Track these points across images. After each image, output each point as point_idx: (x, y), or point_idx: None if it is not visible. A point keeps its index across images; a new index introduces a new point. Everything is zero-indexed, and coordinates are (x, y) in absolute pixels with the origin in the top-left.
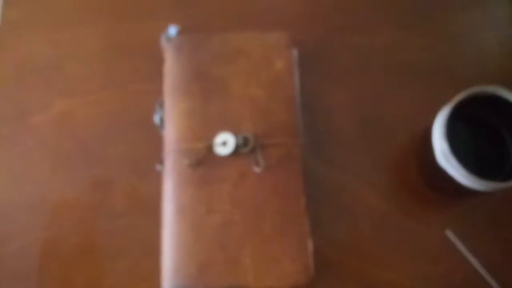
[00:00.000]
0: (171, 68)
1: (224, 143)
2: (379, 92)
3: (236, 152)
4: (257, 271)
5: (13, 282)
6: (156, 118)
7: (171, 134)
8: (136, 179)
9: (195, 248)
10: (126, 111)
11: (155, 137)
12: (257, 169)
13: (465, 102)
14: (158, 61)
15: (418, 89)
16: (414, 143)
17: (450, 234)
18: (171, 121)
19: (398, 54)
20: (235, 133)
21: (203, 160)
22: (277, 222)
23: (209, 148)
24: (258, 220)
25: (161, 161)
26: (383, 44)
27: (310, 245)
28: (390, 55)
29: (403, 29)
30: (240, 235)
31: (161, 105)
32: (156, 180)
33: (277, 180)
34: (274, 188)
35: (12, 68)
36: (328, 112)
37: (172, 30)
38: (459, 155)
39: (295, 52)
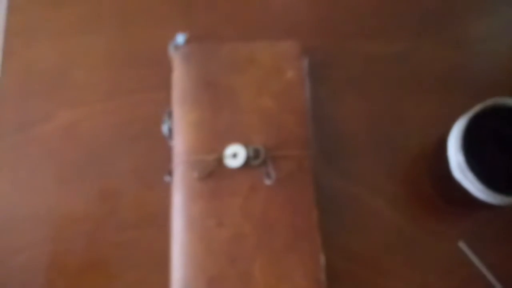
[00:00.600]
0: (180, 78)
1: (235, 155)
2: (392, 102)
3: (246, 164)
4: (268, 286)
5: None
6: (165, 129)
7: (180, 145)
8: (145, 190)
9: (205, 262)
10: (134, 121)
11: (163, 147)
12: (268, 182)
13: (482, 114)
14: (166, 70)
15: (431, 98)
16: (427, 154)
17: (463, 246)
18: (180, 132)
19: (411, 62)
20: (246, 144)
21: (213, 172)
22: (289, 236)
23: (219, 160)
24: (269, 234)
25: (170, 173)
26: (396, 52)
27: (322, 260)
28: (403, 63)
29: (416, 37)
30: (251, 249)
31: (170, 115)
32: (165, 192)
33: (288, 193)
34: (285, 202)
35: (17, 76)
36: (339, 122)
37: (180, 38)
38: (474, 168)
39: (305, 61)
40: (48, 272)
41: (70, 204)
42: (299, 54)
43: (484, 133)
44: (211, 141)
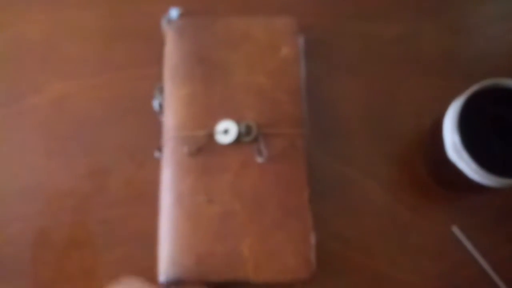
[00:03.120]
0: (172, 52)
1: (226, 131)
2: (388, 83)
3: (238, 141)
4: (257, 264)
5: (6, 270)
6: (155, 104)
7: (170, 121)
8: (134, 166)
9: (193, 239)
10: (124, 96)
11: (154, 123)
12: (259, 159)
13: (479, 95)
14: (158, 44)
15: (428, 81)
16: (422, 136)
17: (456, 231)
18: (171, 107)
19: (409, 45)
20: (238, 121)
21: (203, 148)
22: (279, 215)
23: (210, 136)
24: (259, 212)
25: (159, 149)
26: (394, 33)
27: (312, 239)
28: (400, 46)
29: (415, 19)
30: (240, 226)
31: (161, 91)
32: (155, 168)
33: (280, 171)
34: (277, 180)
35: (7, 48)
36: (334, 103)
37: (174, 12)
38: (470, 149)
39: (301, 39)
40: (35, 246)
41: (59, 179)
42: (295, 31)
43: (480, 114)
44: (202, 117)
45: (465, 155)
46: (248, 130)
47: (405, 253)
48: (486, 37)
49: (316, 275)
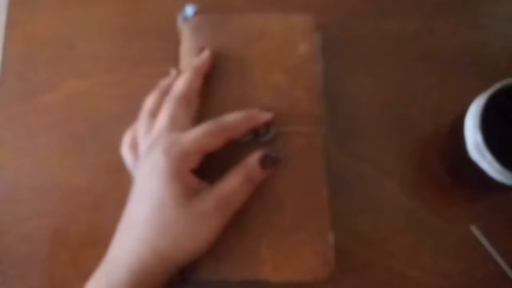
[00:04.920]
0: (188, 50)
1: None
2: (405, 81)
3: (255, 139)
4: (276, 263)
5: (21, 268)
6: None
7: None
8: None
9: None
10: (140, 94)
11: None
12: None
13: (501, 93)
14: (173, 41)
15: (446, 78)
16: (440, 135)
17: (475, 230)
18: None
19: (426, 41)
20: None
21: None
22: (297, 214)
23: None
24: (278, 211)
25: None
26: (411, 31)
27: (331, 238)
28: (417, 42)
29: (432, 16)
30: (259, 225)
31: None
32: None
33: (298, 170)
34: (295, 178)
35: (21, 45)
36: (351, 101)
37: (189, 10)
38: (492, 149)
39: (319, 36)
40: (51, 244)
41: (73, 177)
42: (312, 29)
43: (503, 113)
44: (220, 116)
45: (487, 155)
46: (266, 130)
47: (423, 252)
48: (503, 34)
49: (334, 275)
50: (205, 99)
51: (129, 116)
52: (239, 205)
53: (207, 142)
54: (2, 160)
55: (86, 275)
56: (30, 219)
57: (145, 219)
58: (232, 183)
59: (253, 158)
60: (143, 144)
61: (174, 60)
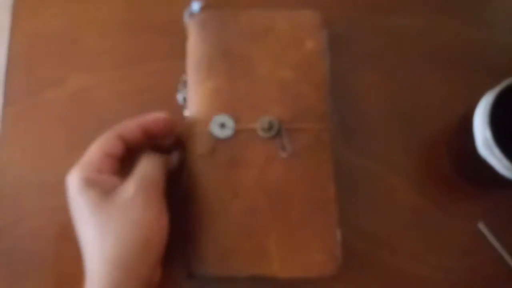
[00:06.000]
0: (195, 46)
1: (222, 125)
2: (412, 77)
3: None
4: (283, 259)
5: (29, 263)
6: (180, 98)
7: (193, 115)
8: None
9: (219, 234)
10: (145, 90)
11: (175, 117)
12: (283, 154)
13: (510, 90)
14: (179, 37)
15: (452, 75)
16: (448, 130)
17: (482, 227)
18: (194, 102)
19: (433, 38)
20: (261, 116)
21: (227, 142)
22: (305, 210)
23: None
24: (285, 207)
25: (182, 143)
26: (418, 27)
27: (338, 235)
28: (425, 38)
29: (439, 12)
30: (266, 222)
31: (185, 84)
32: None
33: (306, 166)
34: (302, 175)
35: (27, 41)
36: (358, 97)
37: (196, 5)
38: (502, 145)
39: (325, 33)
40: (58, 240)
41: None
42: (319, 25)
43: (510, 110)
44: (226, 112)
45: (497, 151)
46: (270, 125)
47: (431, 250)
48: (510, 30)
49: (341, 272)
50: (213, 96)
51: (135, 111)
52: (162, 182)
53: (103, 144)
54: (8, 156)
55: None
56: (37, 215)
57: (83, 238)
58: (146, 164)
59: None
60: None
61: (179, 55)
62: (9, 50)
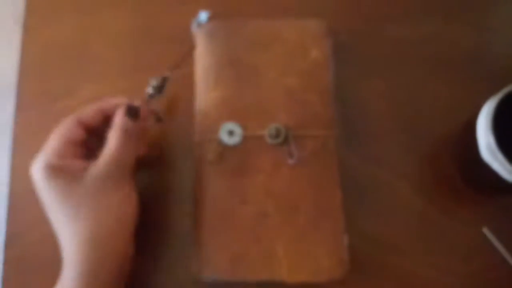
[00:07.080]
0: (203, 55)
1: (231, 132)
2: (416, 84)
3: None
4: (291, 264)
5: (41, 269)
6: (149, 89)
7: (201, 122)
8: (166, 167)
9: (227, 239)
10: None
11: (187, 124)
12: (290, 161)
13: None
14: (188, 47)
15: (457, 82)
16: (452, 136)
17: (487, 232)
18: (202, 110)
19: (436, 45)
20: (268, 123)
21: (236, 149)
22: (312, 215)
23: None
24: (293, 213)
25: (192, 149)
26: (421, 35)
27: (345, 240)
28: (427, 46)
29: (442, 20)
30: (274, 227)
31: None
32: (188, 169)
33: (312, 173)
34: (309, 181)
35: (38, 52)
36: (363, 105)
37: (203, 15)
38: (505, 150)
39: (330, 41)
40: None
41: None
42: (324, 33)
43: None
44: (234, 119)
45: (500, 156)
46: (277, 132)
47: (436, 254)
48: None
49: (348, 277)
50: (219, 103)
51: None
52: (131, 161)
53: (63, 131)
54: (21, 162)
55: None
56: (49, 222)
57: (57, 226)
58: (113, 144)
59: (119, 116)
60: None
61: (188, 65)
62: (21, 60)
